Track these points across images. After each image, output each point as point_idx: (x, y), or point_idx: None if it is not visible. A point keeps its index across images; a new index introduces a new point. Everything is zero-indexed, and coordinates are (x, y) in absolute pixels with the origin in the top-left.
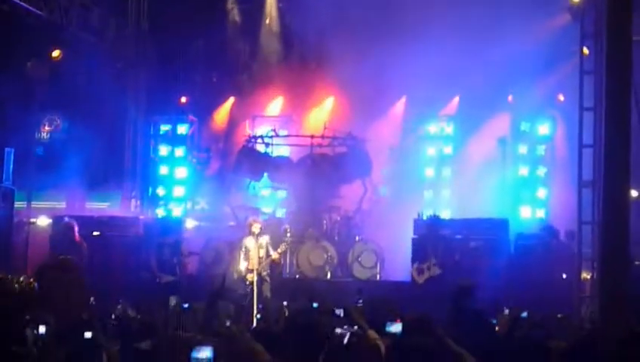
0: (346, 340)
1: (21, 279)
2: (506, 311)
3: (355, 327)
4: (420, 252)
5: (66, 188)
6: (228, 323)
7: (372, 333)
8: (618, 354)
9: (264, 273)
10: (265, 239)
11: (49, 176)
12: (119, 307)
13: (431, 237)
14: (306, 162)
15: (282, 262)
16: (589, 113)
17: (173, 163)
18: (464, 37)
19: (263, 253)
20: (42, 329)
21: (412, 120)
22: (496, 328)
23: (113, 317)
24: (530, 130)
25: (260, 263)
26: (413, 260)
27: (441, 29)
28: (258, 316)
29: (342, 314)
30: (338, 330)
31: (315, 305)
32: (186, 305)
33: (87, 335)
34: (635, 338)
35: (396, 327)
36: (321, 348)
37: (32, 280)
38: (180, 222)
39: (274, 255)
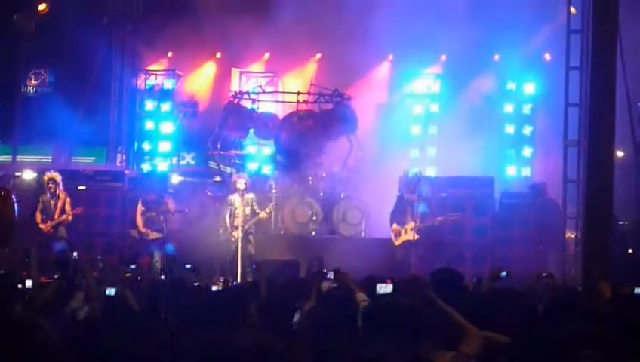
0: None
1: None
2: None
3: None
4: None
5: (52, 142)
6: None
7: (360, 295)
8: (600, 313)
9: (249, 231)
10: (251, 196)
11: (35, 129)
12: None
13: (412, 198)
14: (292, 119)
15: (269, 218)
16: (575, 72)
17: (159, 118)
18: None
19: (248, 210)
20: (28, 283)
21: (398, 78)
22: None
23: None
24: (517, 89)
25: (245, 221)
26: (392, 220)
27: None
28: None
29: (332, 277)
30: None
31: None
32: (188, 266)
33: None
34: (618, 297)
35: (386, 289)
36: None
37: None
38: (165, 178)
39: (262, 214)
